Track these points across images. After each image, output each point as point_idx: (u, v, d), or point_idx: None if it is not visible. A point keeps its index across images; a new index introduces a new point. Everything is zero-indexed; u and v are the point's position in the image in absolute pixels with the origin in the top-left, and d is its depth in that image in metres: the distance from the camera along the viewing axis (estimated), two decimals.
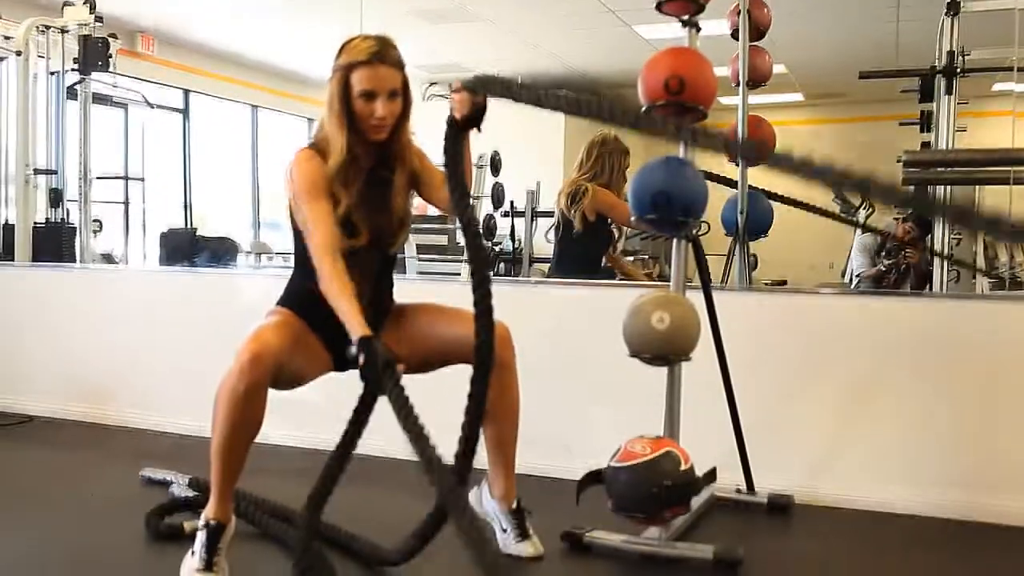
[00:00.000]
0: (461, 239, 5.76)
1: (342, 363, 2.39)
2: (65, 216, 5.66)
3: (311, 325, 2.39)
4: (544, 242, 6.09)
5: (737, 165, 3.75)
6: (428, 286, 4.39)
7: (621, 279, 4.34)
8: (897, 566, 2.74)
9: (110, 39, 5.66)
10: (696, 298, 2.85)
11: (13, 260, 5.32)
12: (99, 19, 5.62)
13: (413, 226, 2.60)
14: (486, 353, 2.21)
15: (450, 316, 2.49)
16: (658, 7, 3.00)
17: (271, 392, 2.25)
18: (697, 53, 2.89)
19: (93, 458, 3.90)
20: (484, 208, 6.90)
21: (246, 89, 10.20)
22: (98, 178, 6.02)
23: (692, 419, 2.80)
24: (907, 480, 3.17)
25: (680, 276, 2.87)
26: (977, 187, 5.17)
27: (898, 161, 4.20)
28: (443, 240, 7.97)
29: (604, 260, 4.25)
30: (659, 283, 3.99)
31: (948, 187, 4.69)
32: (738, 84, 3.82)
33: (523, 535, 2.61)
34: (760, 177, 3.83)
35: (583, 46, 9.30)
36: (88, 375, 4.53)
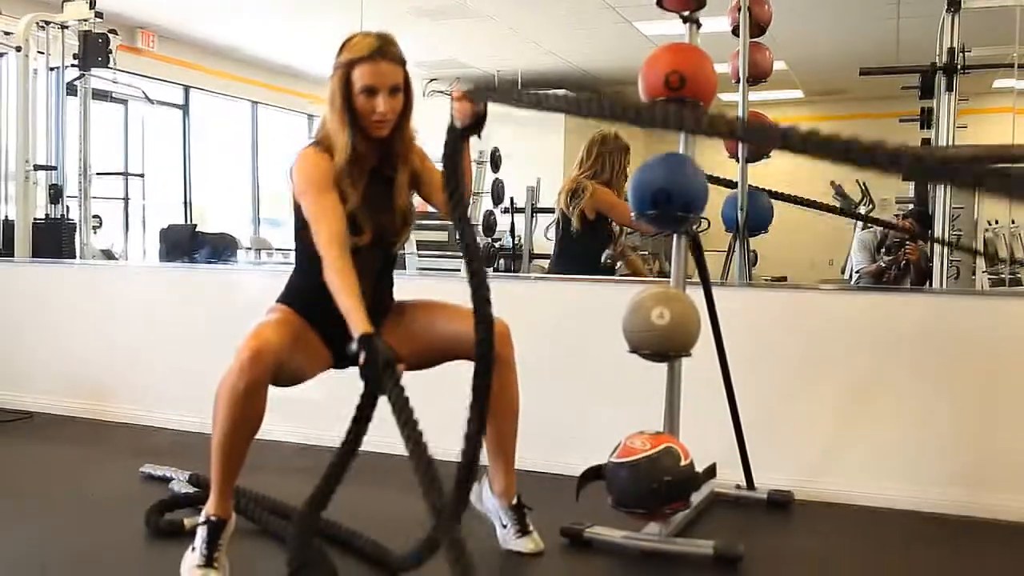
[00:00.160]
0: None
1: (342, 360, 2.39)
2: (65, 212, 5.66)
3: (311, 322, 2.39)
4: (544, 239, 6.09)
5: (737, 161, 3.75)
6: (428, 283, 4.39)
7: (623, 275, 4.34)
8: (897, 563, 2.74)
9: (110, 35, 5.66)
10: (696, 294, 2.85)
11: (13, 256, 5.32)
12: (99, 15, 5.62)
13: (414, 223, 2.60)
14: (487, 355, 2.21)
15: (450, 313, 2.49)
16: (659, 3, 3.00)
17: (271, 389, 2.25)
18: (697, 49, 2.89)
19: (93, 454, 3.90)
20: (484, 204, 6.90)
21: (246, 85, 10.19)
22: (98, 174, 6.02)
23: (692, 415, 2.81)
24: (907, 476, 3.17)
25: (680, 272, 2.87)
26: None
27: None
28: (443, 237, 7.97)
29: (611, 251, 4.24)
30: (659, 279, 3.98)
31: (947, 184, 4.69)
32: (738, 80, 3.83)
33: (523, 531, 2.61)
34: (761, 177, 3.84)
35: (583, 43, 9.29)
36: (88, 371, 4.53)
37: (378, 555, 2.49)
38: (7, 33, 5.58)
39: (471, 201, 2.40)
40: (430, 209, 2.65)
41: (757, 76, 3.91)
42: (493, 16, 8.34)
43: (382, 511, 2.92)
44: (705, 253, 2.96)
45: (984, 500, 3.07)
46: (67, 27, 5.61)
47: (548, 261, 4.78)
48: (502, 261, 7.12)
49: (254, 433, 2.28)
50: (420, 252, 7.30)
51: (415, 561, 2.32)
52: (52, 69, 5.73)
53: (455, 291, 2.41)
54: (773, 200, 3.85)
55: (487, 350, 2.19)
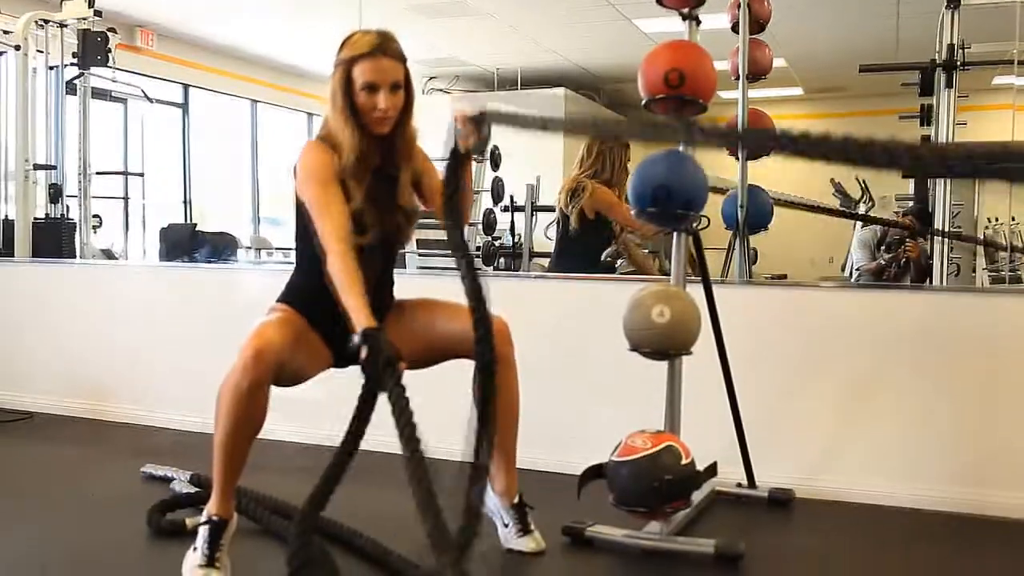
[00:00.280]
0: None
1: (342, 360, 2.39)
2: (65, 212, 5.66)
3: (312, 322, 2.39)
4: (544, 237, 6.08)
5: (737, 159, 3.75)
6: (428, 281, 4.38)
7: (623, 272, 4.33)
8: (898, 560, 2.74)
9: (109, 33, 5.66)
10: (696, 292, 2.85)
11: (12, 256, 5.32)
12: (98, 13, 5.62)
13: None
14: (487, 357, 2.20)
15: (450, 312, 2.49)
16: (658, 1, 3.00)
17: (273, 389, 2.25)
18: (697, 47, 2.89)
19: (94, 454, 3.90)
20: (484, 203, 6.89)
21: (246, 84, 10.19)
22: (98, 173, 6.02)
23: (693, 413, 2.81)
24: (908, 474, 3.17)
25: (680, 270, 2.86)
26: (977, 181, 5.17)
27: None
28: (443, 235, 7.93)
29: (611, 249, 4.23)
30: (659, 277, 3.98)
31: (947, 181, 4.69)
32: (738, 78, 3.82)
33: (525, 530, 2.61)
34: (761, 176, 3.84)
35: (583, 40, 9.29)
36: (88, 371, 4.53)
37: (379, 555, 2.49)
38: (6, 32, 5.58)
39: (469, 220, 2.40)
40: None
41: (757, 73, 3.90)
42: (492, 14, 8.33)
43: (382, 511, 2.92)
44: (705, 251, 2.96)
45: (985, 498, 3.07)
46: (66, 26, 5.61)
47: (548, 260, 4.78)
48: (502, 260, 7.10)
49: (256, 433, 2.27)
50: (420, 251, 7.29)
51: None
52: (51, 68, 5.73)
53: (456, 290, 2.41)
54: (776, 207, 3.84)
55: (487, 352, 2.19)
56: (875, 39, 8.32)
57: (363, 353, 1.98)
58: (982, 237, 5.90)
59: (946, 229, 4.72)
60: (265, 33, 9.25)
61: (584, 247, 4.12)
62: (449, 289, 2.52)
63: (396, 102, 2.37)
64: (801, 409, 3.34)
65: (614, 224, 4.17)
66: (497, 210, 6.86)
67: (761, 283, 4.20)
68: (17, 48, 5.40)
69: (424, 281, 4.38)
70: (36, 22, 5.57)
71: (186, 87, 9.66)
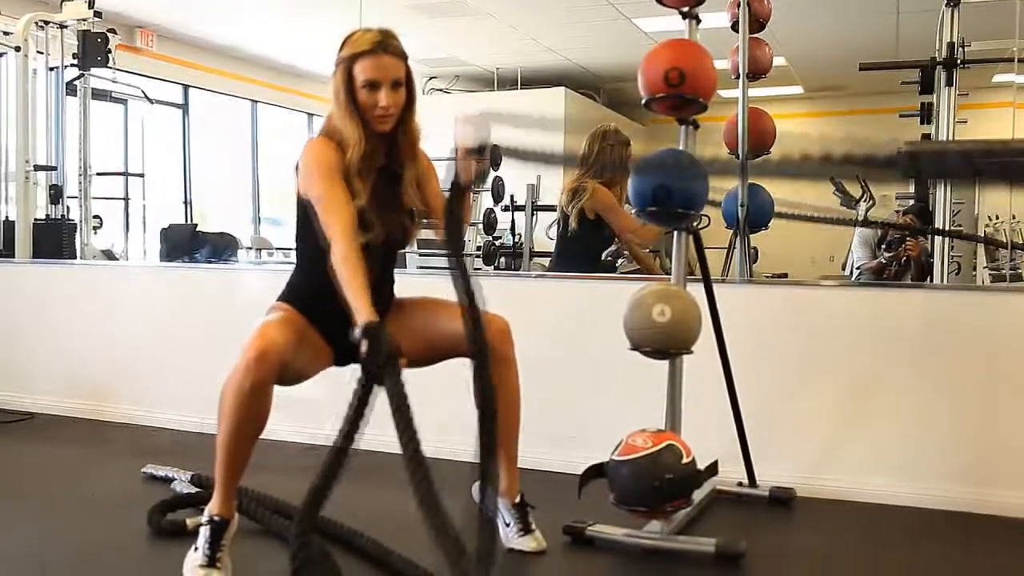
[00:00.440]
0: None
1: (343, 359, 2.39)
2: (65, 212, 5.66)
3: (313, 320, 2.39)
4: (545, 237, 6.08)
5: (737, 157, 3.75)
6: (429, 280, 4.38)
7: (623, 272, 4.33)
8: (899, 559, 2.74)
9: (109, 34, 5.66)
10: (697, 291, 2.85)
11: (13, 257, 5.32)
12: (98, 14, 5.62)
13: None
14: (481, 354, 2.21)
15: (451, 311, 2.48)
16: (658, 0, 2.99)
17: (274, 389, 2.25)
18: (697, 45, 2.88)
19: (94, 455, 3.90)
20: (484, 203, 6.89)
21: (246, 84, 10.19)
22: (98, 174, 6.03)
23: (693, 412, 2.80)
24: (908, 473, 3.17)
25: (681, 269, 2.86)
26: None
27: (898, 152, 4.19)
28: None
29: (612, 249, 4.22)
30: (661, 276, 3.98)
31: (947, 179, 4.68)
32: (738, 76, 3.82)
33: (526, 529, 2.61)
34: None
35: (583, 39, 9.29)
36: (89, 371, 4.53)
37: (379, 555, 2.49)
38: (6, 33, 5.58)
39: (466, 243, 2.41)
40: None
41: (757, 72, 3.90)
42: (492, 13, 8.33)
43: (382, 511, 2.92)
44: (705, 250, 2.96)
45: (986, 496, 3.07)
46: (66, 27, 5.62)
47: (549, 259, 4.77)
48: (503, 259, 7.11)
49: (259, 433, 2.27)
50: (421, 251, 7.29)
51: None
52: (51, 69, 5.74)
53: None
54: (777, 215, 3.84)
55: (481, 349, 2.19)
56: (875, 37, 8.32)
57: (363, 348, 1.97)
58: (983, 235, 5.89)
59: (946, 227, 4.72)
60: (265, 33, 9.26)
61: (584, 247, 4.11)
62: (449, 289, 2.52)
63: (398, 99, 2.37)
64: (802, 408, 3.34)
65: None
66: (497, 210, 6.87)
67: (762, 282, 4.21)
68: (17, 49, 5.40)
69: (424, 281, 4.38)
70: (36, 23, 5.57)
71: (186, 88, 9.67)
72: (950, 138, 4.82)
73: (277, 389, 2.25)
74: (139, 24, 8.72)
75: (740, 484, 3.17)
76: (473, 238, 7.18)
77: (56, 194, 5.62)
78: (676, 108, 2.83)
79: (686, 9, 2.95)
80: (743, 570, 2.55)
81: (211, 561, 2.29)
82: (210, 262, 6.11)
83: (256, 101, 10.56)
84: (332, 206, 2.25)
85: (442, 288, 2.52)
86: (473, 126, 2.29)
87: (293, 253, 2.62)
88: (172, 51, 9.21)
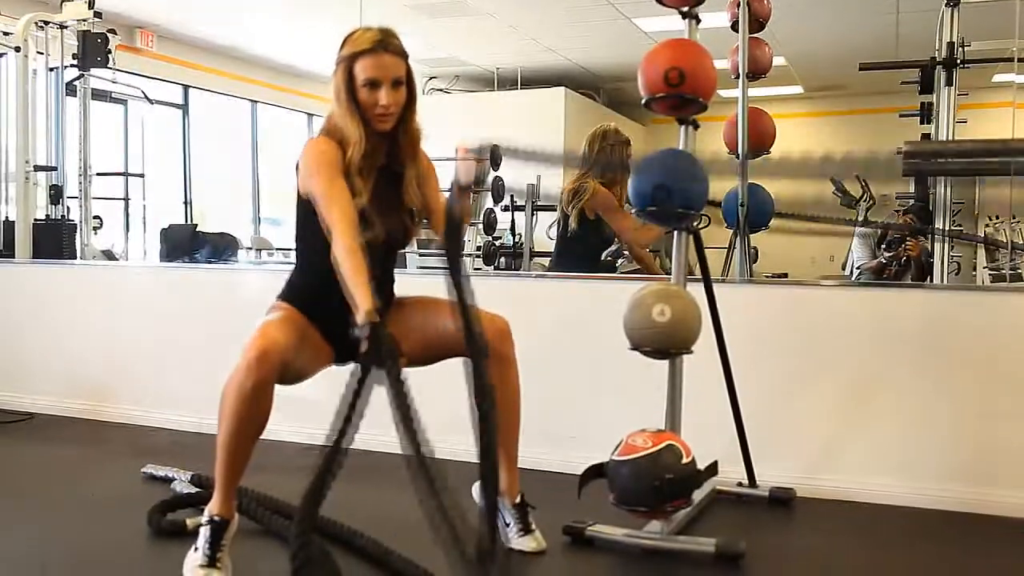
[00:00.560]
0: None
1: (343, 357, 2.39)
2: (65, 213, 5.66)
3: (312, 319, 2.39)
4: (546, 237, 6.08)
5: (737, 157, 3.75)
6: (429, 280, 4.38)
7: (623, 272, 4.33)
8: (899, 559, 2.74)
9: (109, 35, 5.66)
10: (697, 291, 2.85)
11: (13, 257, 5.32)
12: (98, 15, 5.62)
13: None
14: (478, 355, 2.20)
15: (450, 310, 2.49)
16: (658, 0, 2.99)
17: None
18: (697, 45, 2.88)
19: (94, 455, 3.90)
20: (484, 203, 6.89)
21: (246, 84, 10.20)
22: (98, 174, 6.03)
23: (693, 412, 2.80)
24: (908, 473, 3.17)
25: (681, 269, 2.86)
26: (977, 178, 5.17)
27: (898, 152, 4.20)
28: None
29: (612, 248, 4.22)
30: (662, 276, 3.98)
31: (948, 178, 4.69)
32: (738, 76, 3.82)
33: (526, 529, 2.61)
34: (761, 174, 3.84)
35: (582, 39, 9.29)
36: (89, 372, 4.53)
37: (379, 555, 2.48)
38: (6, 33, 5.58)
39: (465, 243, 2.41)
40: None
41: (757, 72, 3.90)
42: (492, 13, 8.33)
43: (382, 511, 2.92)
44: (705, 250, 2.96)
45: (985, 496, 3.07)
46: (66, 27, 5.62)
47: (549, 259, 4.77)
48: (503, 259, 7.11)
49: (260, 433, 2.27)
50: (420, 251, 7.29)
51: None
52: (51, 69, 5.74)
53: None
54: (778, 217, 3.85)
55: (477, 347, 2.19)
56: (875, 37, 8.33)
57: (363, 345, 1.97)
58: (983, 235, 5.90)
59: (946, 227, 4.72)
60: (265, 33, 9.26)
61: (584, 247, 4.11)
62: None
63: (398, 98, 2.37)
64: (802, 407, 3.34)
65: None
66: (497, 210, 6.87)
67: (762, 282, 4.21)
68: (17, 50, 5.40)
69: (424, 281, 4.38)
70: (36, 23, 5.57)
71: (186, 88, 9.67)
72: (950, 138, 4.82)
73: (277, 389, 2.25)
74: (139, 24, 8.73)
75: (740, 484, 3.17)
76: (473, 238, 7.18)
77: (56, 194, 5.62)
78: (676, 108, 2.83)
79: (686, 9, 2.95)
80: (743, 570, 2.55)
81: (211, 561, 2.29)
82: (210, 262, 6.12)
83: (256, 101, 10.56)
84: (334, 202, 2.25)
85: (442, 288, 2.52)
86: (473, 159, 2.30)
87: (293, 253, 2.62)
88: (172, 51, 9.22)
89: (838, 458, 3.25)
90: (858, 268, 6.03)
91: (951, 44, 4.70)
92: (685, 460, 2.51)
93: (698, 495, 2.76)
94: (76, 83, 5.65)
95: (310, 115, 10.87)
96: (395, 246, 2.51)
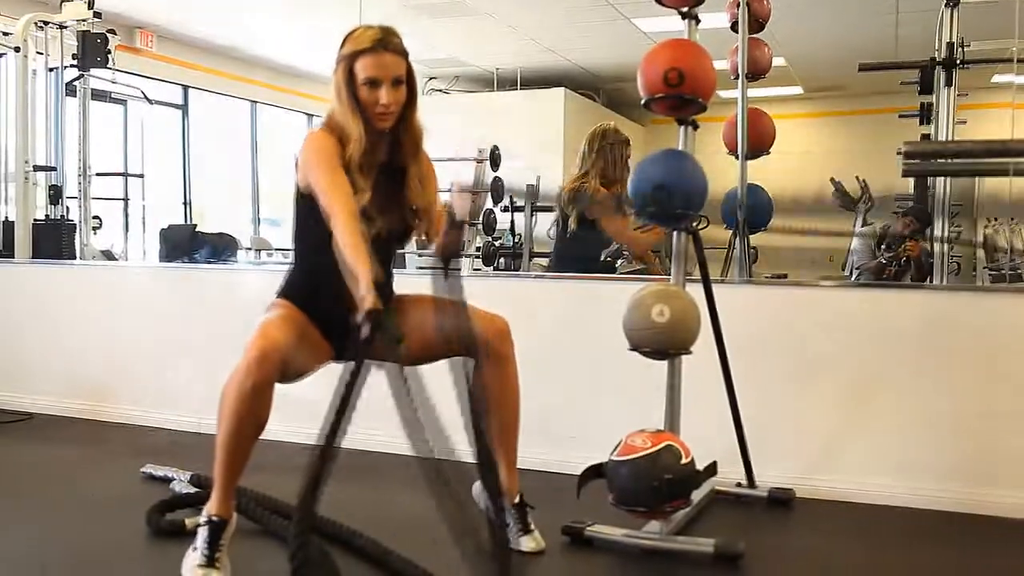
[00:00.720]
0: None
1: (341, 355, 2.39)
2: (65, 213, 5.66)
3: (312, 316, 2.39)
4: (546, 236, 6.08)
5: (737, 158, 3.75)
6: (428, 280, 4.38)
7: (623, 272, 4.32)
8: (898, 560, 2.74)
9: (109, 35, 5.66)
10: (696, 292, 2.85)
11: (13, 257, 5.32)
12: (98, 15, 5.62)
13: None
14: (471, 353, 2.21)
15: (450, 308, 2.49)
16: (658, 0, 2.99)
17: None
18: (696, 45, 2.88)
19: (93, 455, 3.89)
20: (484, 203, 6.89)
21: (245, 85, 10.19)
22: (97, 174, 6.03)
23: (693, 413, 2.80)
24: (908, 473, 3.17)
25: (680, 269, 2.86)
26: (977, 179, 5.17)
27: (897, 153, 4.21)
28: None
29: (612, 248, 4.21)
30: (659, 277, 3.98)
31: (947, 179, 4.69)
32: (737, 77, 3.82)
33: (525, 530, 2.61)
34: (761, 174, 3.84)
35: (582, 40, 9.29)
36: (88, 372, 4.53)
37: (379, 555, 2.48)
38: (6, 33, 5.58)
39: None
40: None
41: (756, 72, 3.90)
42: (492, 14, 8.33)
43: (381, 511, 2.92)
44: (705, 250, 2.96)
45: (984, 496, 3.07)
46: (66, 27, 5.62)
47: (548, 259, 4.77)
48: (502, 260, 7.10)
49: (259, 433, 2.27)
50: (420, 251, 7.29)
51: None
52: (51, 69, 5.74)
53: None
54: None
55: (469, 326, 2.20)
56: (874, 38, 8.32)
57: (365, 329, 1.95)
58: (982, 236, 5.90)
59: (945, 228, 4.72)
60: (265, 34, 9.26)
61: (584, 247, 4.11)
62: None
63: (398, 97, 2.38)
64: (801, 408, 3.34)
65: None
66: (497, 210, 6.87)
67: (761, 282, 4.20)
68: (17, 50, 5.40)
69: (424, 281, 4.38)
70: (36, 24, 5.58)
71: (186, 88, 9.67)
72: (949, 138, 4.82)
73: (276, 388, 2.25)
74: (139, 25, 8.72)
75: (739, 485, 3.17)
76: (473, 239, 7.17)
77: (56, 194, 5.62)
78: (675, 108, 2.83)
79: (685, 9, 2.95)
80: (742, 570, 2.55)
81: (210, 561, 2.28)
82: (209, 263, 6.12)
83: (255, 102, 10.56)
84: (334, 190, 2.25)
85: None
86: (468, 195, 2.32)
87: (292, 253, 2.61)
88: (172, 52, 9.21)
89: (837, 458, 3.25)
90: (858, 268, 6.03)
91: (950, 45, 4.71)
92: (684, 460, 2.51)
93: (697, 495, 2.76)
94: (76, 83, 5.65)
95: (309, 115, 10.87)
96: (395, 243, 2.52)
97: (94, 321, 4.57)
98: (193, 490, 3.04)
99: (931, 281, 4.89)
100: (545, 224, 6.13)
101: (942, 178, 4.67)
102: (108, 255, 6.22)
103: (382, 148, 2.43)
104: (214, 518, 2.32)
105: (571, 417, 3.51)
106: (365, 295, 1.97)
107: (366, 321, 1.95)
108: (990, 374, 3.15)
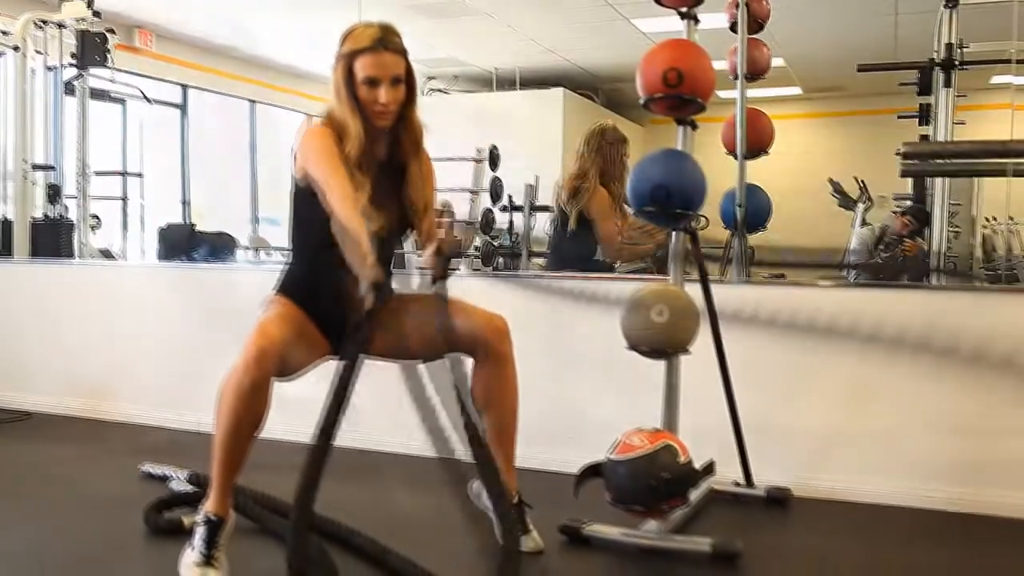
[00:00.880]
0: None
1: (340, 349, 2.39)
2: (63, 212, 5.67)
3: (309, 313, 2.40)
4: (543, 236, 6.08)
5: (736, 158, 3.75)
6: (427, 280, 4.39)
7: (623, 271, 4.32)
8: (896, 559, 2.74)
9: (108, 34, 5.66)
10: (695, 291, 2.85)
11: (12, 256, 5.32)
12: (97, 14, 5.62)
13: None
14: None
15: (451, 306, 2.49)
16: (657, 0, 2.99)
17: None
18: (695, 45, 2.89)
19: (92, 453, 3.90)
20: (483, 203, 6.89)
21: (244, 84, 10.19)
22: (96, 174, 6.03)
23: (691, 412, 2.81)
24: (905, 473, 3.17)
25: (679, 269, 2.86)
26: (976, 179, 5.18)
27: (896, 153, 4.21)
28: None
29: (618, 245, 4.22)
30: (658, 276, 3.98)
31: (946, 179, 4.70)
32: (736, 77, 3.82)
33: (523, 529, 2.61)
34: (761, 174, 3.84)
35: (581, 40, 9.29)
36: (87, 371, 4.53)
37: (377, 554, 2.48)
38: (5, 33, 5.58)
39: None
40: None
41: (755, 73, 3.90)
42: (491, 14, 8.34)
43: (381, 511, 2.92)
44: (703, 250, 2.96)
45: (983, 496, 3.07)
46: (65, 26, 5.62)
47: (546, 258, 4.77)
48: (500, 259, 7.11)
49: (257, 431, 2.27)
50: (420, 251, 7.29)
51: None
52: (50, 69, 5.74)
53: (454, 288, 2.41)
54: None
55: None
56: (873, 38, 8.33)
57: (370, 300, 1.96)
58: (980, 236, 5.90)
59: (944, 229, 4.73)
60: (264, 33, 9.25)
61: (583, 246, 4.11)
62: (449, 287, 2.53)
63: (397, 96, 2.38)
64: (799, 408, 3.34)
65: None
66: (496, 210, 6.88)
67: (759, 282, 4.21)
68: (16, 49, 5.41)
69: (424, 281, 4.38)
70: (35, 23, 5.58)
71: (185, 87, 9.67)
72: (948, 139, 4.83)
73: (274, 387, 2.25)
74: (138, 24, 8.72)
75: (737, 484, 3.17)
76: (472, 239, 7.18)
77: (54, 193, 5.63)
78: (674, 108, 2.83)
79: (684, 9, 2.95)
80: (739, 570, 2.55)
81: (207, 560, 2.29)
82: (208, 262, 6.12)
83: (255, 101, 10.56)
84: (334, 177, 2.25)
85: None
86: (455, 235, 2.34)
87: (290, 249, 2.61)
88: (171, 51, 9.21)
89: (835, 458, 3.25)
90: (856, 268, 6.03)
91: (949, 45, 4.71)
92: (682, 459, 2.51)
93: (695, 495, 2.76)
94: (75, 82, 5.65)
95: (309, 116, 10.83)
96: (394, 240, 2.52)
97: (92, 320, 4.57)
98: (191, 489, 3.04)
99: (928, 281, 4.89)
100: (543, 225, 6.14)
101: (941, 178, 4.68)
102: (107, 254, 6.23)
103: (381, 146, 2.44)
104: (212, 516, 2.32)
105: (569, 416, 3.51)
106: (366, 255, 1.98)
107: (370, 291, 1.96)
108: (988, 373, 3.14)
